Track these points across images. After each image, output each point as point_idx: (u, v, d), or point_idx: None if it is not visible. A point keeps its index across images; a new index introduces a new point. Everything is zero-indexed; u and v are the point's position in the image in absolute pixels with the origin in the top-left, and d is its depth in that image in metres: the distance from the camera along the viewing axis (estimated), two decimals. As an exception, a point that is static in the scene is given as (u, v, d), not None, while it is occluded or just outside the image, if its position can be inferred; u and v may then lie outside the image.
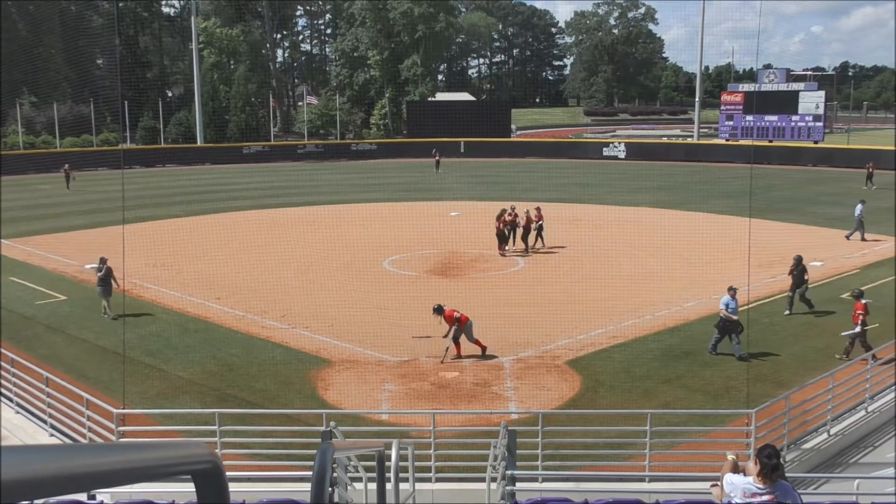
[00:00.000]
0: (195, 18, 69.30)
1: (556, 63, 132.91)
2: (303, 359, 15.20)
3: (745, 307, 15.42)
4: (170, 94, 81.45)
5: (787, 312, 18.08)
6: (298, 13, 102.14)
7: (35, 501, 4.52)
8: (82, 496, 7.12)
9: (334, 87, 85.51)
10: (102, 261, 18.47)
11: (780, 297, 19.19)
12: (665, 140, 72.10)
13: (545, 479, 9.92)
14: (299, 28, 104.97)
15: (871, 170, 40.97)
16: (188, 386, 13.87)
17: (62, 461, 0.83)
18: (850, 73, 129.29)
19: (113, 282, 18.41)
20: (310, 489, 2.47)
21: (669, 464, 10.74)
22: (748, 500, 5.57)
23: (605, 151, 61.28)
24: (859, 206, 26.75)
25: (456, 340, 14.77)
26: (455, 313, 14.87)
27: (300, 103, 72.68)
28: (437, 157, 51.70)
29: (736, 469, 5.87)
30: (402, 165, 54.91)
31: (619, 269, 22.29)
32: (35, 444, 0.96)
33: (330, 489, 7.16)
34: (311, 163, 59.79)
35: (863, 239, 26.18)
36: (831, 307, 18.48)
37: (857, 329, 14.79)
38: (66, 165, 44.10)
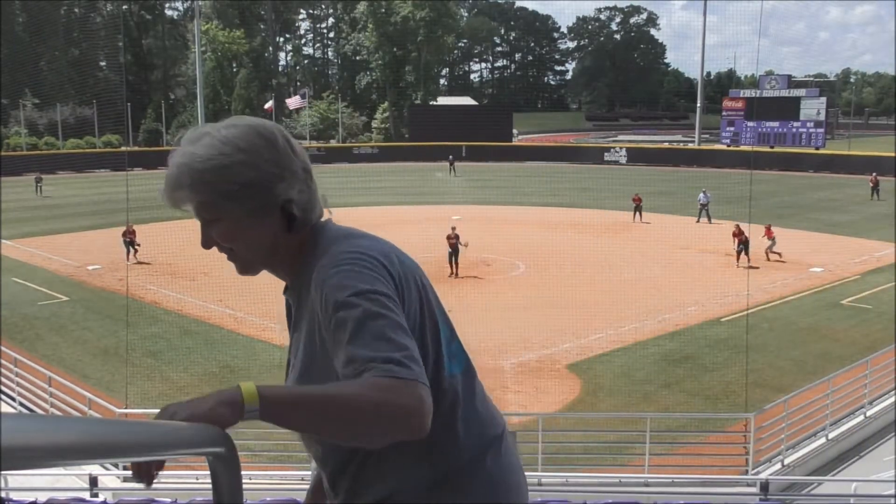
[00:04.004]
0: (198, 21, 69.50)
1: (558, 68, 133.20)
2: (303, 361, 15.24)
3: (745, 312, 15.47)
4: (172, 97, 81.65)
5: None
6: (301, 17, 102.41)
7: (38, 500, 4.59)
8: (85, 494, 7.20)
9: (336, 90, 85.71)
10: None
11: (780, 303, 19.27)
12: (666, 145, 72.18)
13: (544, 482, 9.96)
14: (302, 31, 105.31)
15: (874, 181, 39.24)
16: (189, 387, 13.93)
17: (76, 431, 0.87)
18: (851, 80, 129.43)
19: (132, 249, 23.78)
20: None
21: (668, 466, 10.79)
22: None
23: (606, 156, 61.34)
24: (702, 195, 31.29)
25: None
26: None
27: (300, 108, 72.53)
28: (452, 161, 51.98)
29: None
30: (404, 169, 55.01)
31: (619, 274, 22.36)
32: (53, 415, 1.01)
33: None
34: (313, 166, 59.79)
35: (709, 222, 30.22)
36: (831, 312, 18.53)
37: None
38: (38, 173, 44.02)
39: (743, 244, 22.91)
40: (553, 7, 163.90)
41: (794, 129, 59.95)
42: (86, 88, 63.85)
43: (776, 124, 60.56)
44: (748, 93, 64.35)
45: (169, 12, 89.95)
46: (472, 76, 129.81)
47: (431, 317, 1.53)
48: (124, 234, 24.03)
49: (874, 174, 40.41)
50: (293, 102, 72.49)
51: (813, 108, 59.66)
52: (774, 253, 24.00)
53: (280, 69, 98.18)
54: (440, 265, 23.26)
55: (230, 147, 1.42)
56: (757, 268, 22.58)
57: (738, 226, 23.04)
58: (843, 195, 40.96)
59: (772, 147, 59.64)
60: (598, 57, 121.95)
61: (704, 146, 66.00)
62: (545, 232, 29.05)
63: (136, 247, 24.04)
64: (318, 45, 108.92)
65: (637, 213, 31.61)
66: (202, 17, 72.96)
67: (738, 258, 22.99)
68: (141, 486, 1.13)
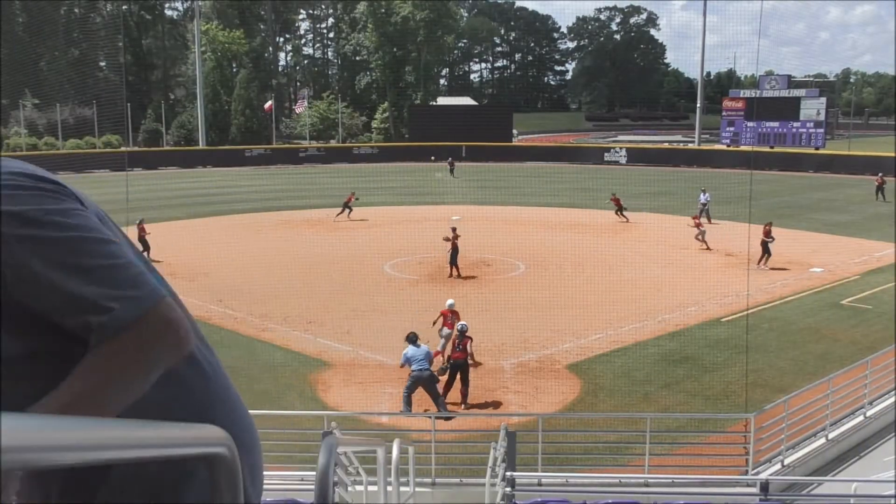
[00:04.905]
0: (198, 21, 69.52)
1: (558, 68, 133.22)
2: (303, 361, 15.25)
3: (745, 312, 15.48)
4: (172, 97, 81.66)
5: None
6: (301, 17, 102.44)
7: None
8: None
9: (336, 90, 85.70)
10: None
11: (780, 303, 19.26)
12: (666, 145, 72.20)
13: (544, 482, 9.96)
14: (302, 32, 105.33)
15: (880, 182, 38.46)
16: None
17: (76, 431, 0.87)
18: (851, 80, 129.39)
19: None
20: (313, 486, 2.51)
21: (668, 467, 10.79)
22: None
23: (606, 156, 61.38)
24: (702, 195, 31.46)
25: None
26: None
27: (299, 109, 72.72)
28: (451, 163, 51.83)
29: None
30: (404, 169, 55.01)
31: (619, 275, 22.35)
32: (46, 414, 1.01)
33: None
34: (313, 166, 59.89)
35: (709, 222, 29.72)
36: (831, 312, 18.53)
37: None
38: None
39: (765, 245, 22.97)
40: (553, 7, 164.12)
41: (794, 130, 59.95)
42: (86, 88, 63.82)
43: (776, 124, 60.57)
44: (748, 93, 64.34)
45: (169, 12, 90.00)
46: (472, 76, 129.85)
47: (129, 244, 1.31)
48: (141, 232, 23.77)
49: (880, 175, 39.98)
50: (300, 107, 73.33)
51: (813, 108, 59.67)
52: (703, 241, 25.75)
53: (280, 69, 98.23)
54: (441, 265, 23.26)
55: None
56: (787, 269, 22.73)
57: (769, 223, 23.42)
58: (843, 195, 40.95)
59: (772, 147, 59.64)
60: (598, 57, 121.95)
61: (704, 146, 66.01)
62: (545, 232, 29.04)
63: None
64: (318, 45, 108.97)
65: (619, 213, 31.88)
66: (202, 17, 72.98)
67: (760, 258, 22.96)
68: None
